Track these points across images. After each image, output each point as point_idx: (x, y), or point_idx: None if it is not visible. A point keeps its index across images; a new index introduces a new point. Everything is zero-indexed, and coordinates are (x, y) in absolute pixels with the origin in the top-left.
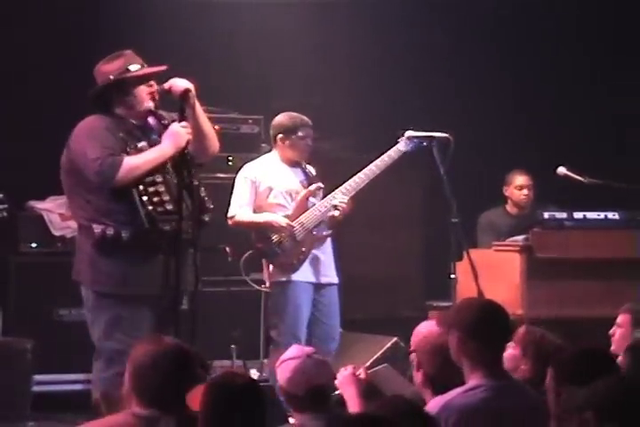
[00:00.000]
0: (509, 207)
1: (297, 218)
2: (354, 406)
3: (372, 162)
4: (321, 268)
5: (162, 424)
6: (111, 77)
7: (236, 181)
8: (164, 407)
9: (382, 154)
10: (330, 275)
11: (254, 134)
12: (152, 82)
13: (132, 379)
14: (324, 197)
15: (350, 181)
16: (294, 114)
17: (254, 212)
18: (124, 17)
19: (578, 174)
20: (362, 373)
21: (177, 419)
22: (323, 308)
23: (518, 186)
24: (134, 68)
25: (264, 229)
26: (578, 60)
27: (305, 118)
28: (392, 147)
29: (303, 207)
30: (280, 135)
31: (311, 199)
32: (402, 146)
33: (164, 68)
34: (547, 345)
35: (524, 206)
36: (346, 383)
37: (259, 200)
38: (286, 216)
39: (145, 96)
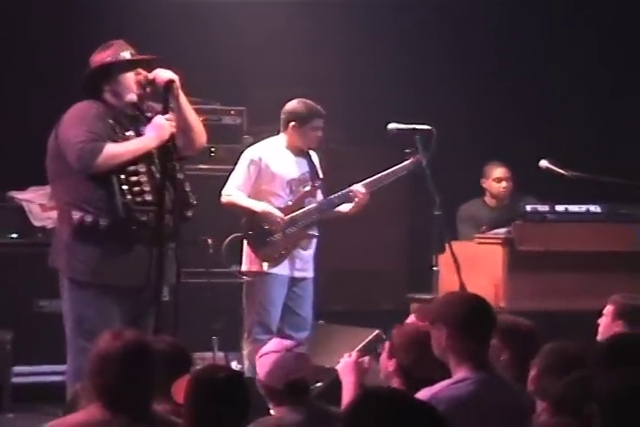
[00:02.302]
0: (488, 199)
1: (291, 213)
2: (349, 394)
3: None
4: (299, 262)
5: (115, 424)
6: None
7: (240, 159)
8: (120, 406)
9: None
10: (306, 269)
11: (236, 125)
12: (140, 70)
13: (89, 375)
14: (323, 194)
15: (370, 179)
16: (309, 102)
17: (250, 196)
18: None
19: (560, 167)
20: (365, 361)
21: (133, 419)
22: (297, 298)
23: (497, 178)
24: (125, 55)
25: (258, 218)
26: (559, 50)
27: (319, 108)
28: (400, 160)
29: (300, 204)
30: (293, 122)
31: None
32: (410, 164)
33: (152, 56)
34: (519, 330)
35: (502, 198)
36: (347, 371)
37: (258, 183)
38: (281, 209)
39: (132, 85)
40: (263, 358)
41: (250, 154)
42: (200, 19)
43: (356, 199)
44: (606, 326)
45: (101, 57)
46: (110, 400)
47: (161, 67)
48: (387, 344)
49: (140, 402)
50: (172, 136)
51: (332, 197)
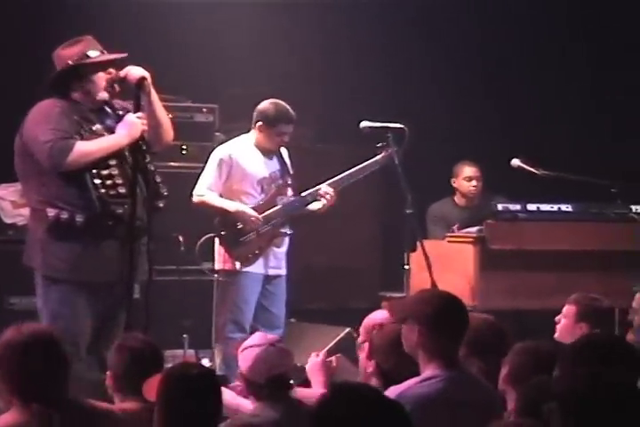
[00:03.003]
0: (457, 199)
1: (264, 212)
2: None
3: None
4: (273, 260)
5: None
6: (70, 62)
7: (209, 159)
8: (29, 398)
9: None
10: (280, 267)
11: (208, 123)
12: (111, 69)
13: None
14: (294, 191)
15: (337, 177)
16: (282, 105)
17: (222, 195)
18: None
19: (531, 166)
20: (333, 360)
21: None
22: (270, 296)
23: (467, 177)
24: (93, 54)
25: (231, 218)
26: (533, 46)
27: (290, 114)
28: (370, 156)
29: (272, 202)
30: (260, 122)
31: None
32: (382, 158)
33: (124, 55)
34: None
35: (472, 198)
36: (315, 370)
37: (229, 183)
38: (254, 208)
39: (102, 83)
40: (246, 351)
41: (219, 153)
42: (174, 17)
43: (324, 199)
44: (567, 327)
45: (68, 53)
46: (16, 393)
47: (131, 64)
48: (366, 345)
49: (48, 394)
50: (143, 134)
51: (303, 195)
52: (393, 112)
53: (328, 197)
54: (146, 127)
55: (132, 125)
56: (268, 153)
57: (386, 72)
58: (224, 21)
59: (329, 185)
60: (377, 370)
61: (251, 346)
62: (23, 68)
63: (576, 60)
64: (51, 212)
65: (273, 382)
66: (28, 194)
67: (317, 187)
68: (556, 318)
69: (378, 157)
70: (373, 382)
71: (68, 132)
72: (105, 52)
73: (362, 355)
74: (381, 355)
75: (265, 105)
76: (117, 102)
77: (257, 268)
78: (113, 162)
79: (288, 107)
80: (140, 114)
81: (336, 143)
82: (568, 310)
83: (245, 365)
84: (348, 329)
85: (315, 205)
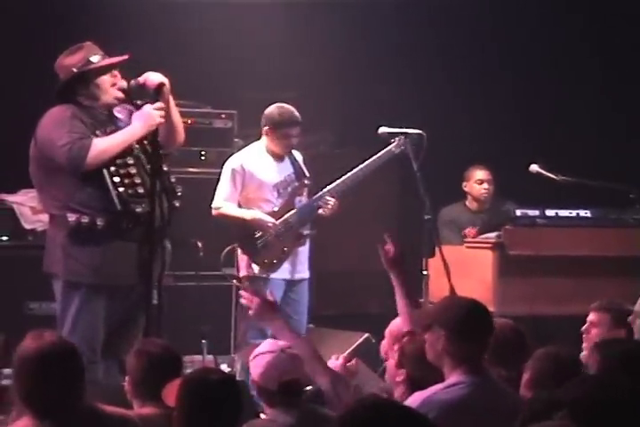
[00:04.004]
0: (469, 203)
1: (282, 216)
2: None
3: (358, 160)
4: (296, 264)
5: None
6: (74, 70)
7: (223, 170)
8: (42, 410)
9: (373, 154)
10: (302, 271)
11: (227, 129)
12: (115, 72)
13: (14, 381)
14: (310, 193)
15: (339, 182)
16: (286, 108)
17: (240, 204)
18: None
19: (550, 172)
20: (353, 364)
21: (59, 424)
22: (293, 303)
23: (478, 180)
24: (95, 59)
25: (249, 226)
26: (548, 54)
27: (295, 116)
28: (384, 148)
29: (290, 204)
30: (266, 127)
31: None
32: (395, 147)
33: (125, 57)
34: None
35: (484, 201)
36: None
37: (245, 192)
38: (272, 213)
39: (109, 86)
40: (257, 358)
41: (231, 164)
42: (193, 21)
43: (328, 206)
44: (603, 335)
45: (71, 61)
46: (31, 404)
47: (149, 69)
48: (394, 353)
49: (62, 406)
50: (160, 125)
51: (313, 198)
52: (411, 116)
53: (329, 206)
54: (162, 120)
55: (148, 116)
56: (279, 157)
57: (403, 77)
58: (242, 26)
59: (329, 192)
60: (407, 379)
61: (262, 353)
62: (35, 78)
63: (596, 66)
64: (71, 217)
65: (285, 388)
66: (45, 201)
67: (324, 191)
68: (583, 328)
69: (389, 147)
70: (401, 390)
71: (83, 133)
72: (106, 56)
73: (388, 363)
74: (413, 364)
75: (270, 109)
76: (125, 107)
77: (281, 274)
78: (131, 161)
79: (293, 109)
80: (158, 105)
81: (354, 148)
82: (600, 318)
83: (257, 372)
84: (366, 335)
85: (320, 210)
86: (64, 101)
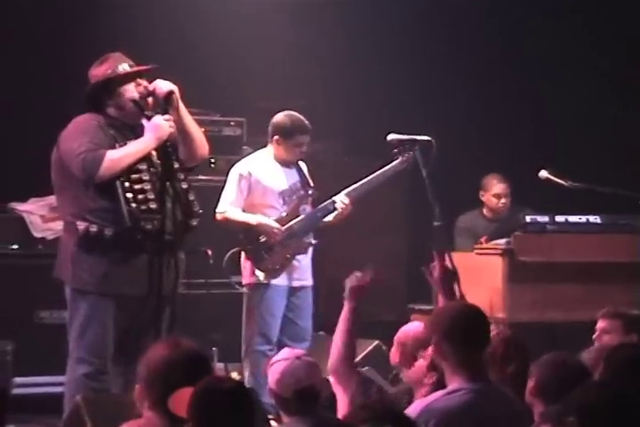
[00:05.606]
0: (486, 211)
1: (287, 223)
2: (344, 404)
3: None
4: (298, 271)
5: None
6: (99, 80)
7: (229, 176)
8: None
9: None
10: (305, 278)
11: (236, 137)
12: (140, 81)
13: (146, 385)
14: (314, 203)
15: (350, 189)
16: (296, 117)
17: (245, 210)
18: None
19: (559, 178)
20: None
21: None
22: (296, 309)
23: (496, 194)
24: (123, 68)
25: (254, 231)
26: (561, 58)
27: (305, 124)
28: (390, 161)
29: (295, 213)
30: (276, 136)
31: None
32: (399, 164)
33: (149, 66)
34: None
35: (500, 212)
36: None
37: (251, 198)
38: (279, 219)
39: (133, 95)
40: (273, 366)
41: (238, 169)
42: (202, 29)
43: (340, 210)
44: (616, 341)
45: (99, 71)
46: (160, 406)
47: (159, 76)
48: (427, 355)
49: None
50: (171, 136)
51: (321, 206)
52: (420, 122)
53: (343, 206)
54: (173, 129)
55: (158, 128)
56: (287, 165)
57: (413, 85)
58: (251, 35)
59: (346, 195)
60: (437, 382)
61: (278, 361)
62: (59, 83)
63: (607, 71)
64: (80, 225)
65: (300, 395)
66: (62, 206)
67: (333, 198)
68: (595, 336)
69: (395, 162)
70: (426, 391)
71: (101, 145)
72: (134, 65)
73: (418, 363)
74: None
75: (279, 118)
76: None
77: (282, 280)
78: (146, 177)
79: (302, 117)
80: (167, 116)
81: (363, 156)
82: (611, 324)
83: (273, 379)
84: (376, 342)
85: (328, 217)
86: (94, 110)
